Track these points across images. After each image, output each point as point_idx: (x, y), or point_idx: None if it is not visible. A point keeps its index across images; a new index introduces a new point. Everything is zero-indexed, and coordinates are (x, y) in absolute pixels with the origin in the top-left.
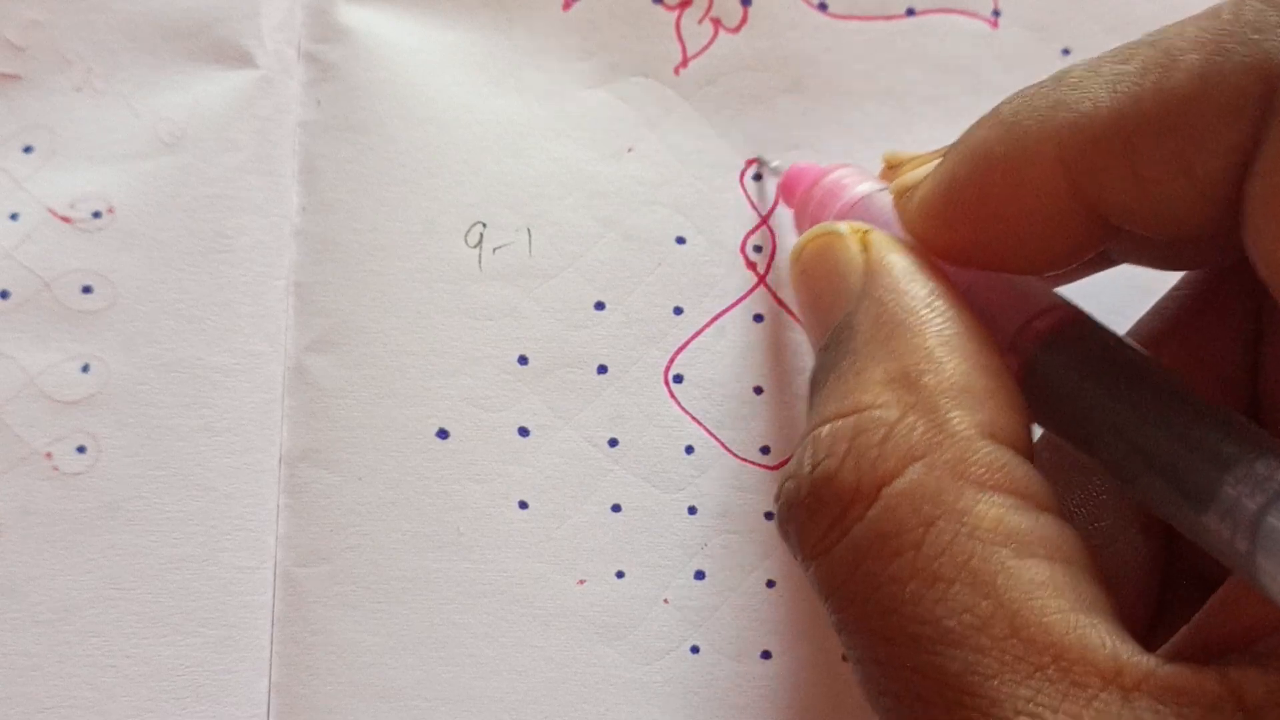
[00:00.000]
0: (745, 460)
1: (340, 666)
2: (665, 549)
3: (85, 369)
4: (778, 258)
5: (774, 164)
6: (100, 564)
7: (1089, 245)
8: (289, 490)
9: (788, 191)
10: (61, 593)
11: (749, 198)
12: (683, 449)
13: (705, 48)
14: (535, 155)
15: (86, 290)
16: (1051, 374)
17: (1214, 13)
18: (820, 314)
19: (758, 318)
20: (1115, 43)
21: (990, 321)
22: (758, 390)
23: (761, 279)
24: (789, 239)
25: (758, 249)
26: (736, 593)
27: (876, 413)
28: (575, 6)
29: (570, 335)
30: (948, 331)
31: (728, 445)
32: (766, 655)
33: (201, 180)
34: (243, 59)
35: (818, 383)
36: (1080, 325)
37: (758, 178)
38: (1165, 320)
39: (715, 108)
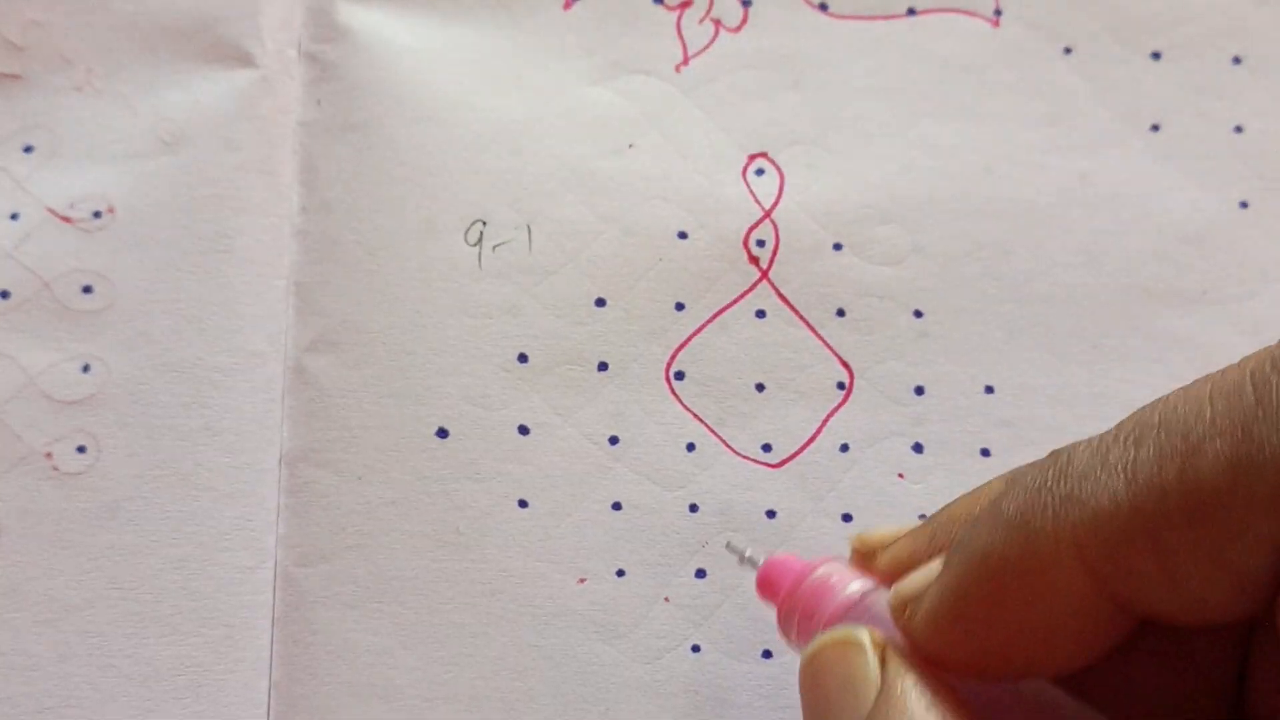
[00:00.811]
0: (747, 458)
1: (340, 666)
2: (666, 547)
3: (85, 369)
4: (780, 252)
5: (748, 553)
6: (100, 564)
7: (1115, 638)
8: (289, 490)
9: (767, 588)
10: (61, 593)
11: (751, 192)
12: (684, 446)
13: (706, 47)
14: (535, 153)
15: (86, 290)
16: None
17: (1235, 390)
18: None
19: (760, 313)
20: (1115, 43)
21: None
22: (759, 387)
23: (764, 274)
24: (792, 235)
25: (760, 243)
26: (737, 591)
27: None
28: (576, 6)
29: (570, 332)
30: None
31: (729, 443)
32: (767, 654)
33: (201, 180)
34: (243, 59)
35: None
36: None
37: (760, 172)
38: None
39: (717, 104)
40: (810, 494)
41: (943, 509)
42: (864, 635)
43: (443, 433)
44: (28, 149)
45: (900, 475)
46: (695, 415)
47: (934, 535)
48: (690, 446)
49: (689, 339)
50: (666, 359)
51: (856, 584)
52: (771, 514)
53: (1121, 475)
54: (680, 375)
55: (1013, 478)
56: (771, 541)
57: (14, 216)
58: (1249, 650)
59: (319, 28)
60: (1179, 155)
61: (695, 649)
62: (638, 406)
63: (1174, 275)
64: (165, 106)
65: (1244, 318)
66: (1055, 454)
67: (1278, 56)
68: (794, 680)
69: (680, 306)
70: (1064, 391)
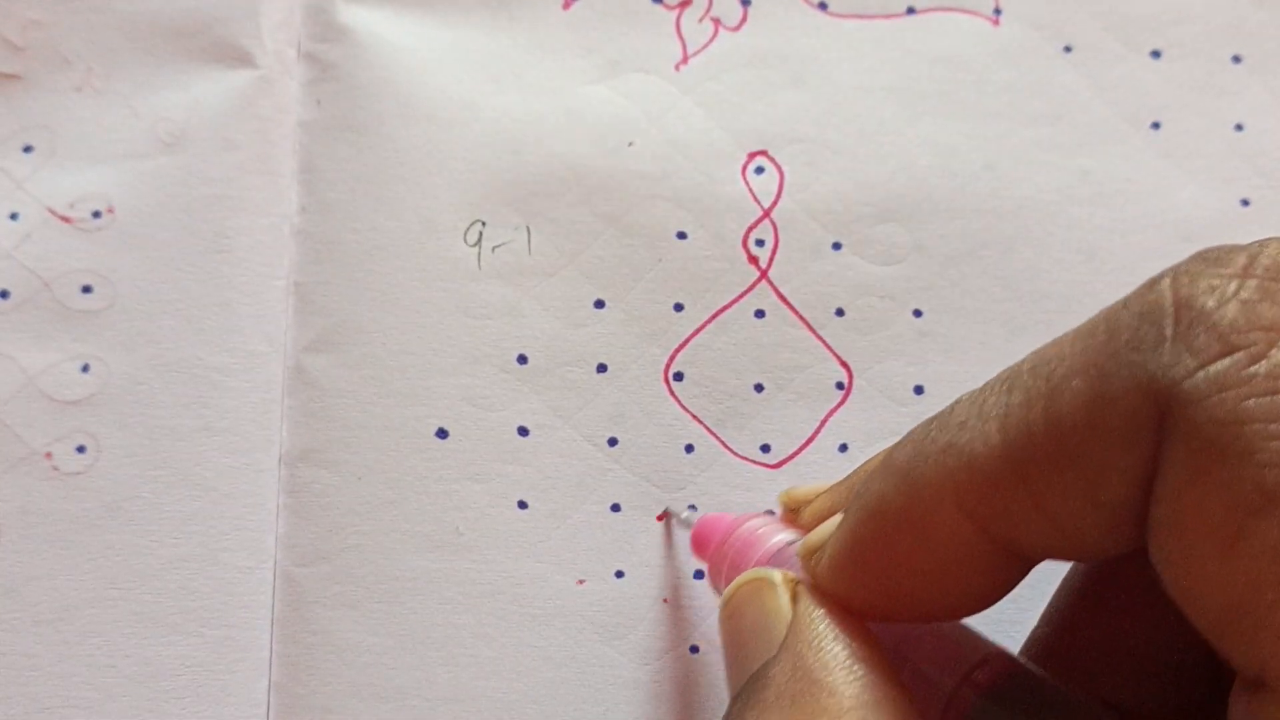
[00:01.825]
0: (746, 459)
1: (340, 666)
2: (665, 548)
3: (85, 369)
4: (780, 252)
5: (684, 515)
6: (100, 564)
7: (1009, 579)
8: (289, 490)
9: (699, 545)
10: (61, 593)
11: (751, 191)
12: (683, 448)
13: (705, 46)
14: (535, 153)
15: (86, 290)
16: None
17: (1090, 331)
18: (740, 661)
19: (759, 314)
20: (1115, 42)
21: (924, 678)
22: (758, 388)
23: (763, 274)
24: (792, 234)
25: (760, 243)
26: None
27: None
28: (575, 5)
29: (570, 333)
30: (863, 696)
31: (728, 444)
32: None
33: (201, 180)
34: (243, 59)
35: None
36: (1018, 675)
37: (760, 171)
38: (1072, 622)
39: (716, 102)
40: None
41: (861, 465)
42: (775, 574)
43: (442, 433)
44: (28, 149)
45: None
46: (694, 416)
47: (850, 489)
48: (689, 448)
49: (688, 340)
50: (665, 360)
51: (780, 535)
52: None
53: (994, 421)
54: (679, 376)
55: (910, 432)
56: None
57: (14, 216)
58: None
59: (319, 28)
60: (1179, 154)
61: (694, 649)
62: (637, 407)
63: None
64: (165, 106)
65: None
66: (946, 408)
67: (1278, 56)
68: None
69: (679, 307)
70: None
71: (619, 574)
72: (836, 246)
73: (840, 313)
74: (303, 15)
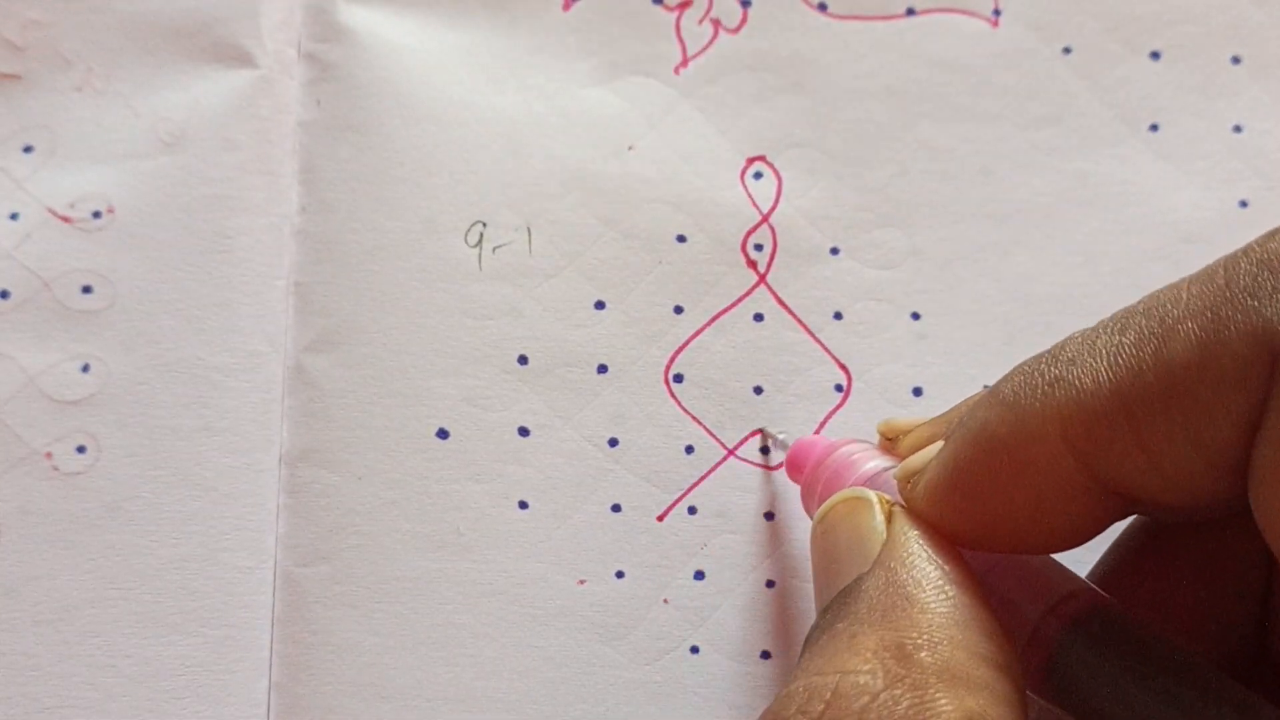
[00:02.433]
0: (745, 460)
1: (340, 666)
2: (665, 549)
3: (85, 369)
4: (778, 257)
5: (780, 436)
6: (100, 564)
7: (1103, 520)
8: (289, 490)
9: (794, 467)
10: (61, 593)
11: (750, 196)
12: (683, 449)
13: (705, 48)
14: (535, 154)
15: (86, 290)
16: (1076, 663)
17: (1208, 276)
18: (831, 575)
19: (758, 317)
20: (1115, 43)
21: (1011, 608)
22: (758, 390)
23: (762, 278)
24: (790, 239)
25: (758, 247)
26: (736, 593)
27: (861, 678)
28: (575, 7)
29: (570, 335)
30: (954, 615)
31: (728, 445)
32: (766, 655)
33: (201, 180)
34: (243, 59)
35: (809, 641)
36: (1105, 611)
37: (758, 176)
38: (1157, 564)
39: (716, 107)
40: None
41: (962, 401)
42: (871, 494)
43: (443, 434)
44: (28, 149)
45: None
46: (694, 418)
47: (951, 422)
48: (689, 449)
49: (688, 342)
50: (665, 361)
51: (876, 461)
52: (770, 516)
53: (1105, 358)
54: (679, 378)
55: (1015, 366)
56: (769, 544)
57: (14, 216)
58: (1269, 590)
59: (319, 28)
60: (1178, 155)
61: (694, 650)
62: (637, 409)
63: (1174, 275)
64: (165, 106)
65: None
66: (1056, 344)
67: (1277, 56)
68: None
69: (679, 309)
70: None
71: (619, 574)
72: (835, 251)
73: (839, 316)
74: (303, 15)
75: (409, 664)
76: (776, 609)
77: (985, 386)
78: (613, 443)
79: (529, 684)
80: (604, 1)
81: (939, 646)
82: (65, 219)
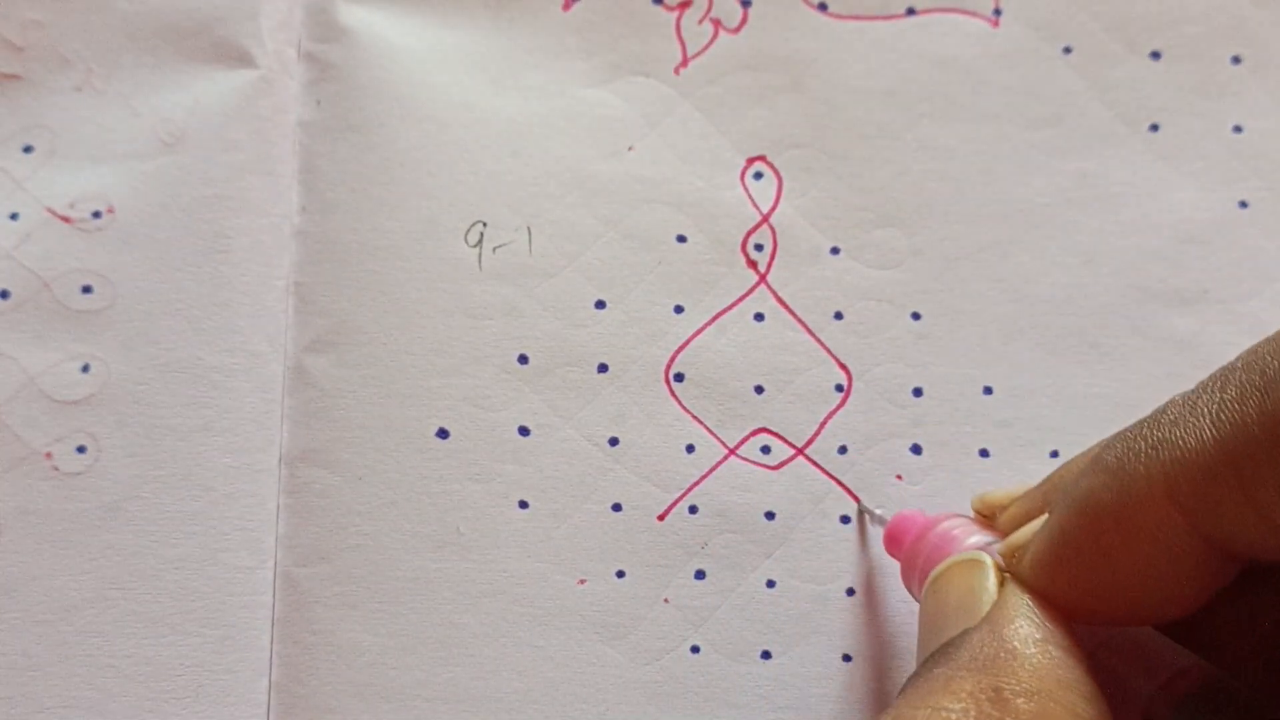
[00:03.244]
0: (746, 460)
1: (340, 666)
2: (666, 549)
3: (85, 369)
4: (778, 257)
5: (879, 511)
6: (100, 564)
7: (1214, 582)
8: (289, 490)
9: (893, 542)
10: (61, 593)
11: (750, 196)
12: (683, 448)
13: (705, 48)
14: (535, 154)
15: (86, 290)
16: None
17: None
18: (937, 629)
19: (758, 316)
20: (1115, 42)
21: (1121, 685)
22: (758, 389)
23: (762, 278)
24: (790, 239)
25: (758, 247)
26: (736, 593)
27: (953, 715)
28: (575, 7)
29: (570, 334)
30: (1056, 673)
31: (728, 444)
32: (766, 655)
33: (201, 180)
34: (243, 59)
35: (905, 687)
36: (1217, 687)
37: (758, 176)
38: (1247, 607)
39: (716, 107)
40: (809, 496)
41: (1055, 471)
42: (986, 557)
43: (443, 433)
44: (28, 149)
45: (899, 476)
46: (695, 417)
47: (1047, 494)
48: (690, 448)
49: (688, 341)
50: (666, 361)
51: (977, 536)
52: (770, 515)
53: (1208, 416)
54: (680, 377)
55: (1115, 434)
56: (770, 544)
57: (14, 216)
58: None
59: (319, 28)
60: (1178, 155)
61: (694, 650)
62: (637, 408)
63: (1174, 275)
64: (165, 106)
65: (1244, 318)
66: (1157, 409)
67: (1278, 56)
68: (792, 681)
69: (679, 309)
70: (1063, 392)
71: (619, 574)
72: (835, 251)
73: (839, 316)
74: (303, 15)
75: (409, 664)
76: (777, 609)
77: (987, 388)
78: (613, 442)
79: (529, 684)
80: (604, 1)
81: (1036, 696)
82: (65, 219)
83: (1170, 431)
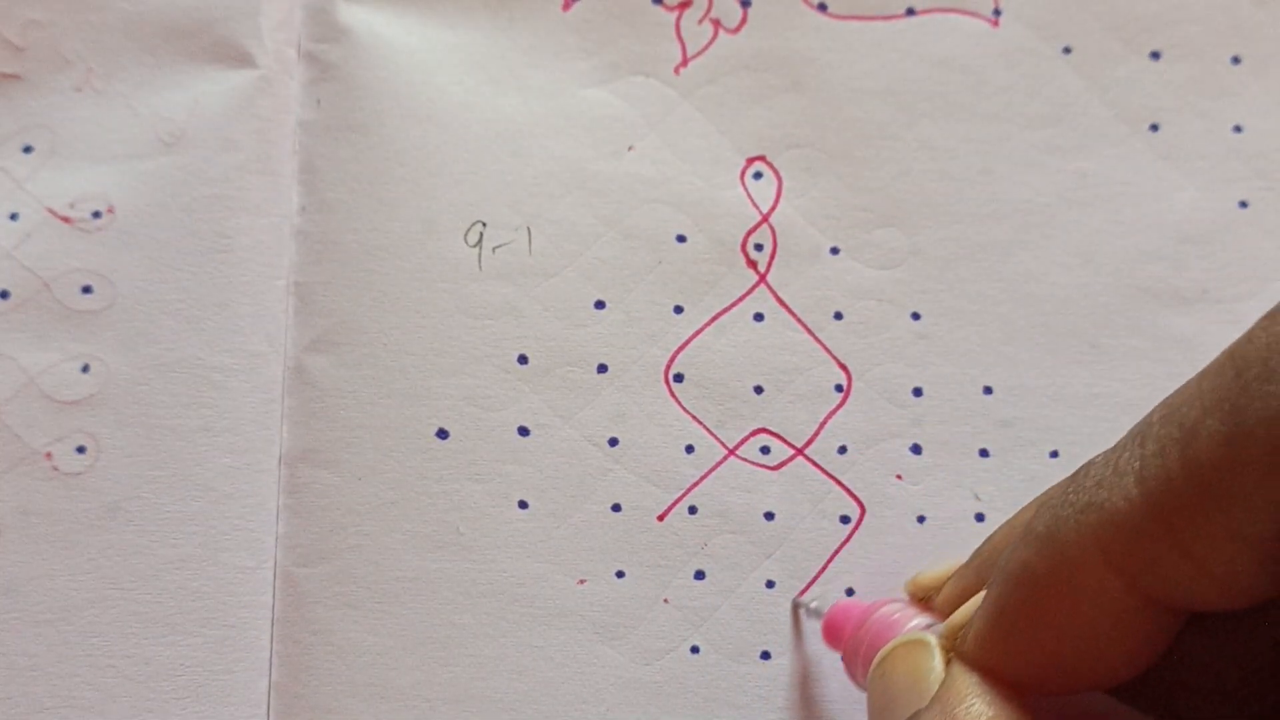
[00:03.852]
0: (746, 460)
1: (340, 666)
2: (665, 549)
3: (85, 369)
4: (778, 257)
5: (813, 604)
6: (100, 564)
7: (1160, 639)
8: (289, 490)
9: (832, 633)
10: (61, 593)
11: (749, 196)
12: (683, 448)
13: (705, 48)
14: (535, 154)
15: (86, 290)
16: None
17: (1217, 371)
18: (887, 714)
19: (758, 316)
20: (1115, 42)
21: None
22: (758, 389)
23: (762, 278)
24: (790, 239)
25: (758, 247)
26: (736, 593)
27: None
28: (575, 7)
29: (570, 334)
30: None
31: (728, 445)
32: (766, 655)
33: (201, 180)
34: (243, 59)
35: None
36: None
37: (758, 176)
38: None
39: (716, 107)
40: (809, 496)
41: (984, 543)
42: (930, 638)
43: (443, 433)
44: (28, 149)
45: (899, 476)
46: (694, 417)
47: (979, 569)
48: (689, 448)
49: (688, 341)
50: (666, 361)
51: (917, 619)
52: (770, 516)
53: (1132, 475)
54: (679, 377)
55: (1041, 499)
56: (769, 544)
57: (14, 216)
58: None
59: (319, 28)
60: (1178, 155)
61: (694, 650)
62: (637, 408)
63: (1173, 275)
64: (165, 106)
65: (1244, 318)
66: (1077, 472)
67: (1278, 56)
68: (791, 681)
69: (679, 309)
70: (1063, 392)
71: (619, 574)
72: (834, 251)
73: (839, 316)
74: (303, 15)
75: (409, 664)
76: (777, 609)
77: (987, 387)
78: (613, 442)
79: (529, 684)
80: (604, 1)
81: None
82: (65, 219)
83: (1096, 494)
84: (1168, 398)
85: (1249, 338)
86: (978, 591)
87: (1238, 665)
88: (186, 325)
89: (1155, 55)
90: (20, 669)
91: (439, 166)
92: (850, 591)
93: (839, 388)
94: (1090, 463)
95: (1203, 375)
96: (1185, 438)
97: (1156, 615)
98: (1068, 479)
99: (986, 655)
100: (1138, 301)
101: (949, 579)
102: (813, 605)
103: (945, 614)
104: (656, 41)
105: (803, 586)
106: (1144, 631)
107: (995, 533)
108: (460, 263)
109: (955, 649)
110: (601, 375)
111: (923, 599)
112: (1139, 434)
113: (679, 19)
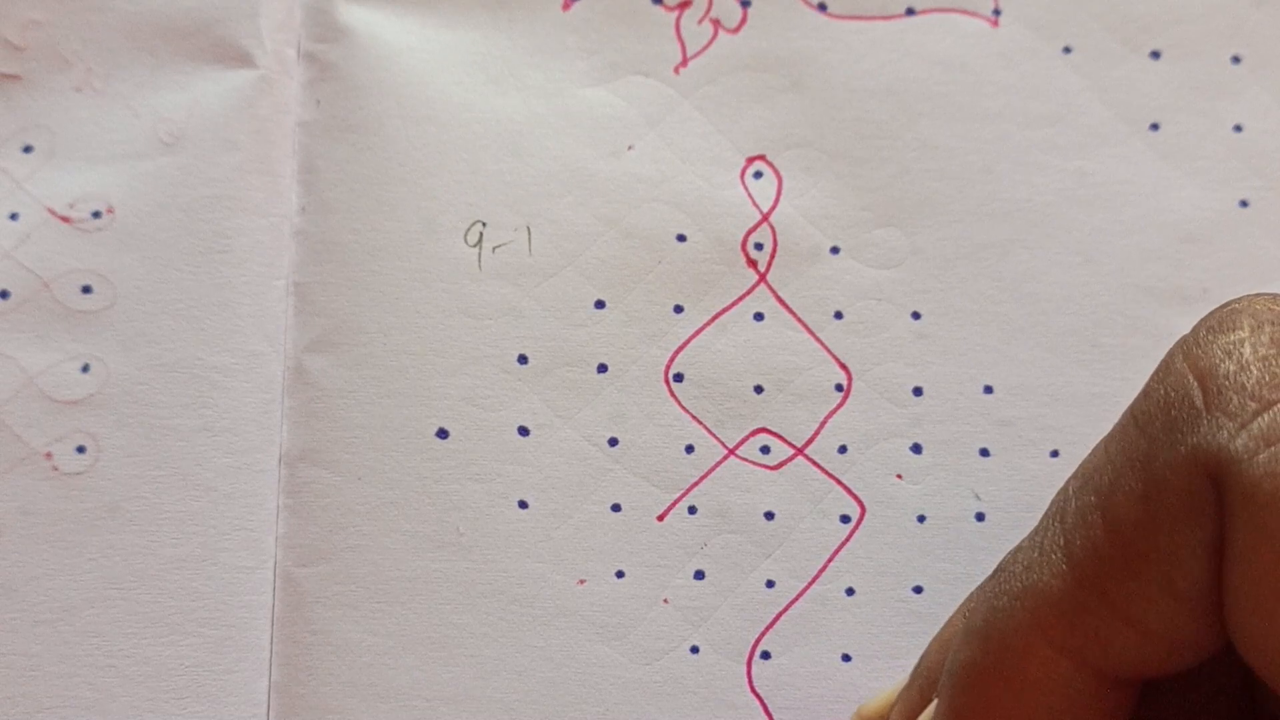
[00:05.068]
0: (746, 460)
1: (340, 666)
2: (665, 549)
3: (85, 369)
4: (778, 256)
5: None
6: (100, 564)
7: (1118, 714)
8: (289, 490)
9: None
10: (61, 593)
11: (750, 195)
12: (683, 448)
13: (705, 48)
14: (535, 154)
15: (86, 290)
16: None
17: (1121, 432)
18: None
19: (758, 316)
20: (1115, 42)
21: None
22: (758, 389)
23: (762, 277)
24: (790, 239)
25: (758, 247)
26: (736, 593)
27: None
28: (575, 6)
29: (570, 334)
30: None
31: (728, 445)
32: (766, 656)
33: (201, 180)
34: (243, 59)
35: None
36: None
37: (758, 175)
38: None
39: (715, 106)
40: (809, 496)
41: (920, 660)
42: None
43: (443, 433)
44: (27, 149)
45: (899, 476)
46: (694, 417)
47: (922, 688)
48: (689, 448)
49: (688, 341)
50: (666, 361)
51: None
52: (770, 516)
53: (1058, 551)
54: (679, 377)
55: (973, 596)
56: (769, 544)
57: (14, 216)
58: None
59: (319, 28)
60: (1178, 155)
61: (694, 650)
62: (637, 408)
63: (1174, 274)
64: (165, 106)
65: None
66: (1000, 564)
67: (1277, 56)
68: (791, 681)
69: (679, 309)
70: (1063, 391)
71: (619, 574)
72: (835, 250)
73: (839, 315)
74: (303, 15)
75: (409, 664)
76: (777, 609)
77: (987, 387)
78: (613, 442)
79: (529, 684)
80: (604, 1)
81: None
82: (65, 219)
83: (1027, 577)
84: (1078, 469)
85: (1146, 393)
86: (924, 709)
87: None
88: (186, 325)
89: (1155, 55)
90: (20, 669)
91: (439, 166)
92: (850, 591)
93: (839, 387)
94: (1016, 549)
95: (1109, 439)
96: (1103, 502)
97: (1110, 691)
98: (995, 570)
99: None
100: (1138, 301)
101: (894, 703)
102: None
103: None
104: (656, 41)
105: (803, 586)
106: (1101, 710)
107: (929, 649)
108: (460, 263)
109: None
110: (601, 375)
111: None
112: (1057, 510)
113: (679, 19)
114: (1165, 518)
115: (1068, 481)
